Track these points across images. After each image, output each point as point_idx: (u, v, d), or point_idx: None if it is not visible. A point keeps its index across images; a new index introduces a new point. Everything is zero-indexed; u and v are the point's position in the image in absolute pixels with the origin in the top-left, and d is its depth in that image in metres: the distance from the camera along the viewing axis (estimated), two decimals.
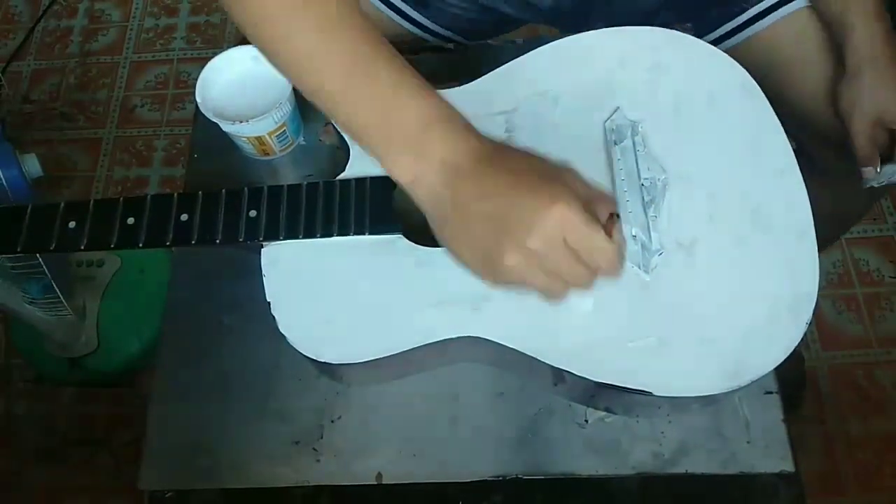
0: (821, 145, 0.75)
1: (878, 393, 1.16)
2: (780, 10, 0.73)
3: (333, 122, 0.50)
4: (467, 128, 0.47)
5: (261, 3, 0.45)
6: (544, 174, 0.45)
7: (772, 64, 0.74)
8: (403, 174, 0.46)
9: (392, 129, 0.45)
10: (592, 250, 0.43)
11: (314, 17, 0.45)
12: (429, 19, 0.81)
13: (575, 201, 0.43)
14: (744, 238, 0.54)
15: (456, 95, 0.61)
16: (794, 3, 0.73)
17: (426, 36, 0.84)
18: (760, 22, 0.74)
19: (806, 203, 0.55)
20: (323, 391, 0.58)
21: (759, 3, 0.74)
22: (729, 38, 0.76)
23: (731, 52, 0.62)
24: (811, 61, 0.73)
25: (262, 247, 0.56)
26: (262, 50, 0.47)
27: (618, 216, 0.47)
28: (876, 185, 0.68)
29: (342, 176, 0.58)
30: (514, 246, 0.43)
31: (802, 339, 0.51)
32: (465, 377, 0.58)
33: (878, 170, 0.66)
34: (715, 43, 0.73)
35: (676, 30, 0.63)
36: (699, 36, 0.63)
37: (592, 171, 0.57)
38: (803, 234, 0.54)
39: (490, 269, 0.45)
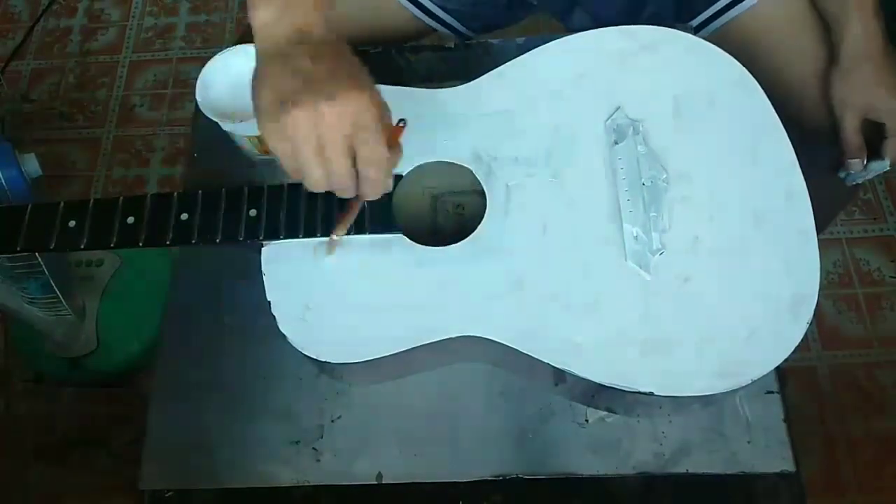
0: (802, 133, 0.76)
1: (878, 393, 1.16)
2: None
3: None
4: (324, 16, 0.49)
5: None
6: (366, 77, 0.48)
7: (758, 48, 0.74)
8: (259, 19, 0.49)
9: None
10: (369, 152, 0.46)
11: None
12: (433, 2, 0.82)
13: (381, 108, 0.46)
14: (744, 238, 0.54)
15: (456, 95, 0.62)
16: None
17: (430, 21, 0.84)
18: (745, 3, 0.74)
19: (807, 202, 0.55)
20: (323, 391, 0.58)
21: None
22: (713, 20, 0.76)
23: (716, 35, 0.62)
24: (799, 46, 0.72)
25: (262, 246, 0.56)
26: None
27: (405, 122, 0.51)
28: (859, 181, 0.68)
29: None
30: (311, 102, 0.45)
31: (803, 339, 0.51)
32: (465, 377, 0.58)
33: (864, 164, 0.66)
34: (699, 28, 0.73)
35: (677, 28, 0.63)
36: (684, 22, 0.63)
37: (593, 170, 0.57)
38: (804, 234, 0.54)
39: (275, 115, 0.46)
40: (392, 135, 0.49)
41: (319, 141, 0.45)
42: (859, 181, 0.68)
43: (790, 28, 0.73)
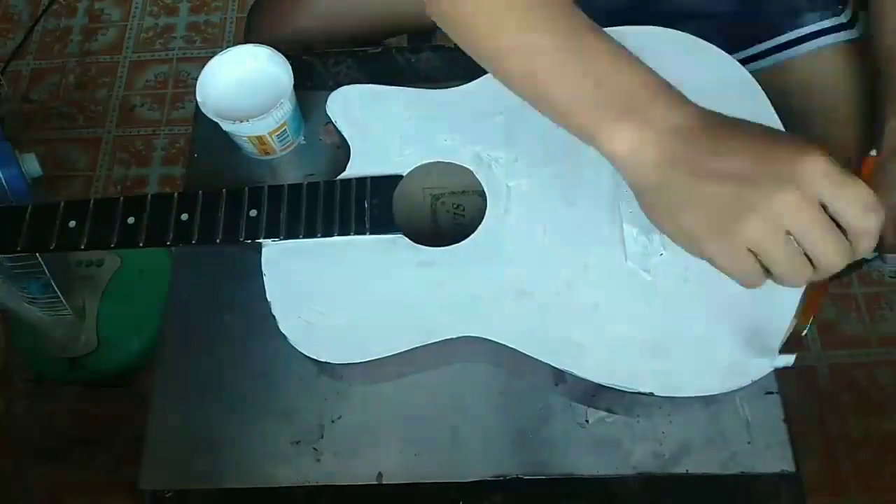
0: None
1: (878, 393, 1.16)
2: (817, 40, 0.70)
3: (537, 109, 0.47)
4: (684, 96, 0.44)
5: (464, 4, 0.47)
6: (785, 135, 0.41)
7: (800, 97, 0.70)
8: (621, 144, 0.43)
9: (612, 98, 0.43)
10: (854, 208, 0.37)
11: (519, 10, 0.45)
12: None
13: (829, 155, 0.38)
14: None
15: (456, 95, 0.62)
16: (832, 35, 0.70)
17: None
18: (795, 48, 0.71)
19: None
20: (323, 391, 0.58)
21: (796, 28, 0.71)
22: (760, 59, 0.73)
23: (757, 75, 0.60)
24: (843, 103, 0.69)
25: (262, 246, 0.56)
26: (478, 57, 0.48)
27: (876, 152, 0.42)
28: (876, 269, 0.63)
29: (343, 175, 0.58)
30: (757, 203, 0.38)
31: (802, 339, 0.51)
32: (465, 377, 0.58)
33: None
34: (745, 62, 0.69)
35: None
36: (730, 52, 0.61)
37: (593, 171, 0.57)
38: None
39: (722, 236, 0.39)
40: (864, 171, 0.40)
41: (792, 233, 0.38)
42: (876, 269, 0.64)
43: (837, 87, 0.69)
